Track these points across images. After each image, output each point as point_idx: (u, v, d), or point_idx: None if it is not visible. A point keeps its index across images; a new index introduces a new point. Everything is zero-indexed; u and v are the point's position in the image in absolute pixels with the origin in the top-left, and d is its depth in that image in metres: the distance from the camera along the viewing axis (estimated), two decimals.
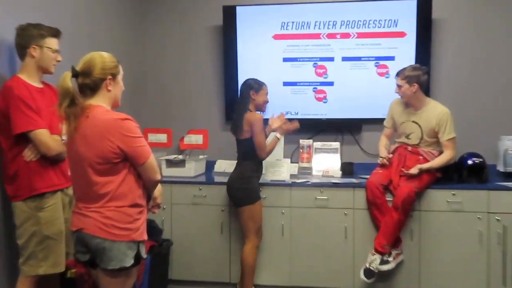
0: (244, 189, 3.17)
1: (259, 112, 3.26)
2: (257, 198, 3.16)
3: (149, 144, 2.15)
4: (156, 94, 4.33)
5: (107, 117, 2.02)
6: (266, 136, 3.19)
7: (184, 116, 4.31)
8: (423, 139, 3.44)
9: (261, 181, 3.45)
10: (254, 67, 4.06)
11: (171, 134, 3.99)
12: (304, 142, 4.05)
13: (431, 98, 3.55)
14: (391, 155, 3.50)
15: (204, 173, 4.06)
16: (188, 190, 3.66)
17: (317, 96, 4.12)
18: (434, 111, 3.39)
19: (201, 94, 4.28)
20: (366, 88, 4.02)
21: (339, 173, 3.89)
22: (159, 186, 2.27)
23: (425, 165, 3.35)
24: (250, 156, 3.20)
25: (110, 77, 2.08)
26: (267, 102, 3.27)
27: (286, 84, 4.12)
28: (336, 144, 4.05)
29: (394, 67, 3.76)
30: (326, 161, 4.00)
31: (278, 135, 3.26)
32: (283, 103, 4.09)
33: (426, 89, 3.55)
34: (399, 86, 3.40)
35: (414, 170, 3.31)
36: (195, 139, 4.02)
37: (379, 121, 3.80)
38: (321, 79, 4.09)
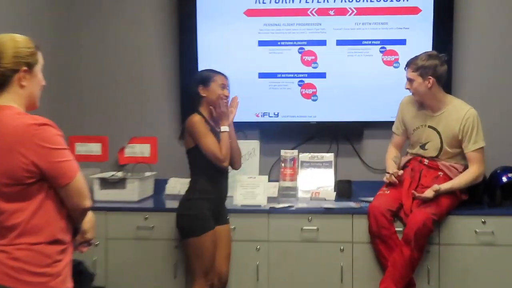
0: (187, 215, 3.23)
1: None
2: (205, 228, 3.20)
3: (76, 158, 2.14)
4: (88, 91, 4.37)
5: (18, 123, 2.01)
6: (218, 137, 3.25)
7: (125, 119, 4.35)
8: (443, 150, 3.52)
9: (229, 206, 3.53)
10: (220, 54, 4.12)
11: (107, 144, 4.00)
12: (286, 153, 4.09)
13: (452, 96, 3.65)
14: (401, 171, 3.56)
15: (152, 196, 4.09)
16: (130, 219, 3.68)
17: (304, 92, 4.18)
18: (457, 113, 3.47)
19: (148, 91, 4.34)
20: (368, 82, 4.10)
21: (333, 195, 3.94)
22: (89, 215, 2.28)
23: (445, 185, 3.42)
24: (198, 170, 3.28)
25: (24, 68, 2.08)
26: (226, 96, 3.33)
27: (262, 76, 4.19)
28: (329, 156, 4.11)
29: (405, 54, 3.82)
30: (316, 178, 4.06)
31: (224, 127, 3.27)
32: (258, 101, 4.17)
33: (446, 84, 3.62)
34: (410, 81, 3.48)
35: (429, 193, 3.38)
36: (140, 150, 4.03)
37: (386, 126, 3.87)
38: (309, 70, 4.15)
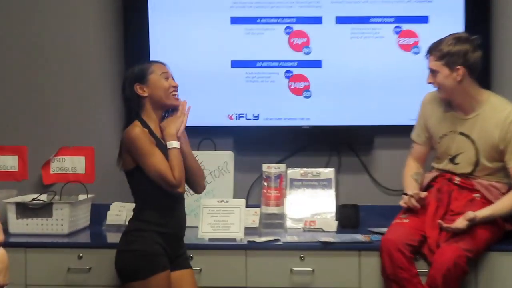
0: (129, 252, 3.24)
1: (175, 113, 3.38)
2: (155, 268, 3.19)
3: None
4: (5, 90, 4.42)
5: None
6: (165, 153, 3.25)
7: (53, 125, 4.37)
8: (480, 165, 3.55)
9: (193, 240, 3.63)
10: (179, 39, 4.21)
11: (26, 156, 4.02)
12: (270, 169, 4.11)
13: (490, 92, 3.68)
14: (424, 193, 3.57)
15: (88, 227, 4.10)
16: (58, 259, 3.67)
17: (293, 87, 4.23)
18: (496, 114, 3.51)
19: (83, 89, 4.38)
20: (379, 73, 4.16)
21: (334, 224, 3.98)
22: (0, 254, 2.27)
23: (483, 211, 3.42)
24: (143, 198, 3.30)
25: None
26: (174, 87, 3.35)
27: (236, 64, 4.25)
28: (328, 173, 4.16)
29: (428, 36, 3.85)
30: (310, 203, 4.11)
31: (172, 142, 3.27)
32: (231, 98, 4.24)
33: (481, 77, 3.64)
34: (433, 72, 3.52)
35: (461, 222, 3.37)
36: (72, 164, 4.06)
37: (404, 132, 3.91)
38: (300, 56, 4.20)
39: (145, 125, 3.27)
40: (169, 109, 3.37)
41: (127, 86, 3.33)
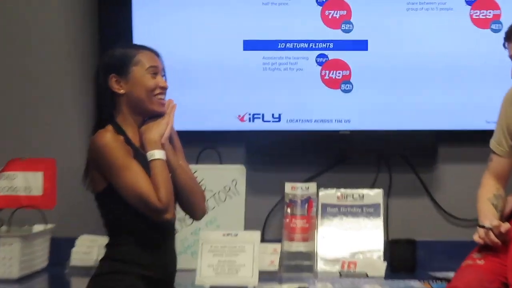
0: None
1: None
2: None
3: None
4: None
5: None
6: (144, 166, 3.24)
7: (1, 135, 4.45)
8: None
9: None
10: (171, 13, 4.32)
11: None
12: (295, 190, 4.21)
13: None
14: (507, 225, 3.46)
15: (46, 269, 4.14)
16: None
17: (327, 77, 4.29)
18: None
19: (40, 84, 4.46)
20: (444, 58, 4.23)
21: (383, 267, 4.02)
22: None
23: None
24: (118, 229, 3.31)
25: None
26: (162, 89, 3.33)
27: (250, 46, 4.32)
28: (374, 195, 4.23)
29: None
30: (350, 237, 4.16)
31: (154, 152, 3.24)
32: (243, 93, 4.33)
33: None
34: None
35: None
36: (25, 182, 4.09)
37: (479, 139, 3.92)
38: (338, 35, 4.27)
39: (119, 130, 3.26)
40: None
41: (100, 75, 3.31)
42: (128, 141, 3.24)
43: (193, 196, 3.39)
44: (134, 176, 3.16)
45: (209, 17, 4.27)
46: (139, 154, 3.24)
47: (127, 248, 3.24)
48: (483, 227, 3.51)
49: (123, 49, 3.36)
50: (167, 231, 3.32)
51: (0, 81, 4.48)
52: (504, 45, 3.56)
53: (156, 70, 3.30)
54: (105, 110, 3.30)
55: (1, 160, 4.16)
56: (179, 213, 3.46)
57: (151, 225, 3.22)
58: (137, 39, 4.20)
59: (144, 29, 4.26)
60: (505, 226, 3.46)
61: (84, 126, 4.22)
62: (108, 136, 3.19)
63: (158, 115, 3.30)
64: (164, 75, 3.36)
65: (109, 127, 3.23)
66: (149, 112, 3.30)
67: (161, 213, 3.16)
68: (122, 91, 3.26)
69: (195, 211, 3.45)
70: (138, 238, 3.24)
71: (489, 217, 3.56)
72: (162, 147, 3.26)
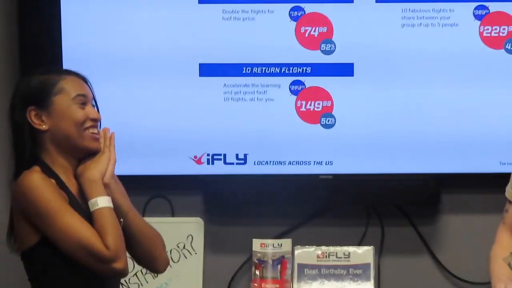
0: None
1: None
2: None
3: None
4: None
5: None
6: (83, 216, 2.93)
7: None
8: None
9: None
10: (109, 23, 4.02)
11: None
12: (265, 247, 3.98)
13: None
14: None
15: None
16: None
17: (304, 109, 4.00)
18: None
19: None
20: (449, 86, 3.95)
21: None
22: None
23: None
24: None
25: None
26: (94, 121, 3.01)
27: (208, 71, 4.02)
28: (362, 253, 3.95)
29: None
30: None
31: (97, 199, 2.92)
32: (201, 128, 4.01)
33: None
34: None
35: None
36: None
37: (489, 184, 3.77)
38: (317, 56, 3.98)
39: (49, 172, 2.94)
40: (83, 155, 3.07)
41: (16, 109, 2.99)
42: (61, 184, 2.92)
43: (152, 243, 3.10)
44: (73, 221, 2.85)
45: (159, 30, 3.98)
46: (76, 203, 2.93)
47: None
48: None
49: (42, 75, 3.03)
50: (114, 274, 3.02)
51: None
52: None
53: (85, 100, 2.99)
54: (25, 150, 2.97)
55: None
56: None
57: (97, 283, 2.94)
58: (66, 46, 3.96)
59: (74, 33, 3.98)
60: None
61: (2, 171, 3.95)
62: (36, 177, 2.87)
63: (94, 153, 2.99)
64: (95, 105, 3.06)
65: (36, 168, 2.90)
66: (80, 150, 2.96)
67: (109, 262, 2.84)
68: (44, 127, 2.93)
69: (157, 261, 3.12)
70: None
71: (503, 279, 3.18)
72: (107, 187, 2.96)
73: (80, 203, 2.94)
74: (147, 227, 3.12)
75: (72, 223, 2.85)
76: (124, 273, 2.95)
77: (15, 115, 2.97)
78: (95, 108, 3.05)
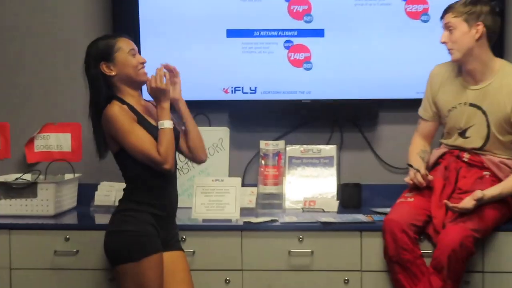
0: (120, 233, 3.32)
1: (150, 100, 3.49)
2: (148, 250, 3.27)
3: None
4: None
5: None
6: (151, 130, 3.33)
7: (35, 101, 4.45)
8: (491, 137, 3.62)
9: (186, 221, 3.78)
10: (170, 7, 4.35)
11: (8, 133, 4.16)
12: (268, 146, 4.25)
13: (505, 60, 3.77)
14: (431, 177, 3.65)
15: (75, 208, 4.22)
16: (44, 241, 3.77)
17: (292, 58, 4.34)
18: (509, 82, 3.58)
19: (69, 63, 4.40)
20: (385, 43, 4.27)
21: (335, 204, 4.09)
22: None
23: (492, 190, 3.49)
24: (132, 178, 3.40)
25: None
26: (142, 63, 3.41)
27: (232, 34, 4.35)
28: (329, 150, 4.29)
29: (438, 2, 3.91)
30: (310, 182, 4.24)
31: (163, 122, 3.32)
32: (227, 70, 4.35)
33: (496, 48, 3.77)
34: (449, 29, 3.59)
35: (468, 202, 3.43)
36: (57, 142, 4.18)
37: (411, 106, 4.02)
38: (301, 25, 4.31)
39: (122, 102, 3.33)
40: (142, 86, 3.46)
41: (91, 64, 3.37)
42: (131, 108, 3.32)
43: (199, 140, 3.53)
44: (137, 138, 3.26)
45: (200, 9, 4.30)
46: (143, 120, 3.34)
47: (140, 192, 3.35)
48: (411, 166, 3.70)
49: (104, 39, 3.42)
50: (170, 179, 3.40)
51: (38, 61, 4.49)
52: (441, 19, 3.64)
53: (134, 52, 3.38)
54: (102, 91, 3.34)
55: (38, 123, 4.22)
56: (178, 163, 3.61)
57: (157, 175, 3.31)
58: (143, 26, 4.32)
59: (148, 16, 4.34)
60: (430, 177, 3.61)
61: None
62: (115, 108, 3.28)
63: (145, 83, 3.38)
64: (139, 53, 3.46)
65: (115, 102, 3.32)
66: (138, 83, 3.40)
67: (161, 164, 3.25)
68: (113, 73, 3.34)
69: (200, 153, 3.56)
70: (148, 185, 3.34)
71: (417, 164, 3.70)
72: (180, 101, 3.46)
73: (147, 120, 3.33)
74: (196, 129, 3.52)
75: (137, 138, 3.24)
76: (170, 171, 3.30)
77: (91, 70, 3.34)
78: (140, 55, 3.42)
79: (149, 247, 3.26)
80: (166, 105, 3.34)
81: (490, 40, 3.62)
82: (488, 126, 3.61)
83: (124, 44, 3.37)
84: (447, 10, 3.61)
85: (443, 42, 3.63)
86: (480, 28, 3.54)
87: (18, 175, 4.11)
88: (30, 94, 4.48)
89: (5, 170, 4.25)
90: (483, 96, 3.62)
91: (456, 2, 3.62)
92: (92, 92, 3.37)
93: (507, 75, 3.61)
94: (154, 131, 3.30)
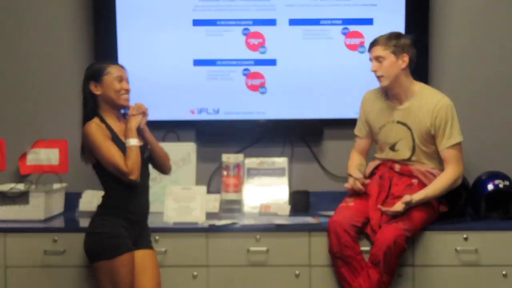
0: (96, 234, 3.34)
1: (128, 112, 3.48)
2: (120, 249, 3.28)
3: None
4: None
5: None
6: (122, 147, 3.33)
7: (27, 118, 4.43)
8: (417, 149, 3.70)
9: (159, 224, 3.77)
10: (145, 40, 4.33)
11: (4, 149, 4.09)
12: (229, 159, 4.24)
13: (423, 84, 3.83)
14: (367, 181, 3.74)
15: (62, 213, 4.20)
16: (35, 242, 3.77)
17: (250, 83, 4.36)
18: (427, 103, 3.65)
19: (56, 86, 4.43)
20: (328, 71, 4.30)
21: (287, 208, 4.11)
22: None
23: (418, 195, 3.58)
24: (108, 186, 3.41)
25: None
26: (126, 90, 3.40)
27: (198, 63, 4.35)
28: (281, 162, 4.30)
29: (372, 36, 3.86)
30: (265, 189, 4.26)
31: (130, 140, 3.34)
32: (194, 94, 4.35)
33: (421, 72, 3.91)
34: (378, 60, 3.65)
35: (399, 206, 3.52)
36: (47, 156, 4.15)
37: (351, 124, 4.01)
38: (256, 55, 4.33)
39: (102, 121, 3.35)
40: (123, 109, 3.45)
41: (84, 82, 3.41)
42: (108, 126, 3.34)
43: (164, 158, 3.54)
44: (108, 151, 3.27)
45: (172, 42, 4.32)
46: (116, 138, 3.34)
47: (114, 199, 3.37)
48: (351, 175, 3.77)
49: (99, 64, 3.45)
50: (141, 188, 3.41)
51: (31, 84, 4.47)
52: (369, 50, 3.71)
53: (122, 78, 3.39)
54: (88, 106, 3.37)
55: (30, 140, 4.18)
56: (152, 174, 3.58)
57: (128, 184, 3.32)
58: (121, 55, 4.27)
59: (126, 48, 4.31)
60: (366, 180, 3.70)
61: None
62: (92, 125, 3.30)
63: (126, 107, 3.41)
64: (128, 82, 3.43)
65: (95, 119, 3.34)
66: (118, 106, 3.40)
67: (127, 175, 3.27)
68: (98, 93, 3.35)
69: (166, 168, 3.58)
70: (121, 193, 3.35)
71: (356, 173, 3.78)
72: (145, 131, 3.41)
73: (120, 139, 3.33)
74: (162, 150, 3.52)
75: (108, 152, 3.26)
76: (136, 181, 3.29)
77: (84, 88, 3.38)
78: (128, 83, 3.40)
79: (122, 247, 3.28)
80: (133, 127, 3.36)
81: (410, 67, 3.69)
82: (413, 139, 3.68)
83: (114, 70, 3.39)
84: (374, 44, 3.67)
85: (374, 71, 3.68)
86: (406, 58, 3.63)
87: (12, 185, 4.10)
88: (23, 112, 4.47)
89: (1, 180, 4.22)
90: (407, 114, 3.68)
91: (380, 36, 3.69)
92: (82, 106, 3.40)
93: (425, 96, 3.68)
94: (125, 149, 3.32)
